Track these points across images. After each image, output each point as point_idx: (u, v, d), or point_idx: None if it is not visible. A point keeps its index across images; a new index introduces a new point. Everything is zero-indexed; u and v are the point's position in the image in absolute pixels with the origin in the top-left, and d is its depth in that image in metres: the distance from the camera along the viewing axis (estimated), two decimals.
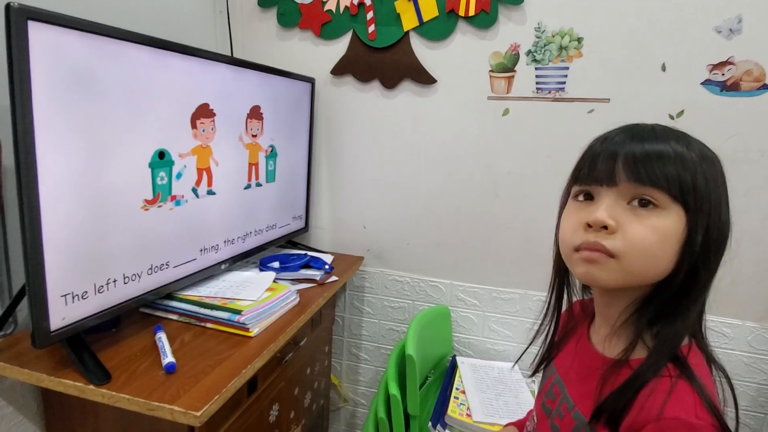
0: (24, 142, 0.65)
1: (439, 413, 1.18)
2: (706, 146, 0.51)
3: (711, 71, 1.14)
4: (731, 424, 0.45)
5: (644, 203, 0.48)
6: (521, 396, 1.25)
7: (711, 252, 0.48)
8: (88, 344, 0.80)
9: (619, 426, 0.46)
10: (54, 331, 0.73)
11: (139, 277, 0.87)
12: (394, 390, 1.12)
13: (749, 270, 1.20)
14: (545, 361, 0.67)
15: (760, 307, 1.22)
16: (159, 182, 0.89)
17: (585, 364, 0.58)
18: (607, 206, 0.49)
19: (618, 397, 0.48)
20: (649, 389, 0.46)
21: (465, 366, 1.37)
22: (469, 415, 1.16)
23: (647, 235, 0.47)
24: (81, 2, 0.95)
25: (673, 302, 0.49)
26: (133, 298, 0.87)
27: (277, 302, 1.02)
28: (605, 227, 0.48)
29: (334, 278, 1.26)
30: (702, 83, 1.15)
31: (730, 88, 1.13)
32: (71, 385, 0.74)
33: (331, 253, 1.45)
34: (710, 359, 0.50)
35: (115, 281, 0.82)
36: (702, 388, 0.45)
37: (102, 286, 0.80)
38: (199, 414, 0.69)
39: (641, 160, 0.48)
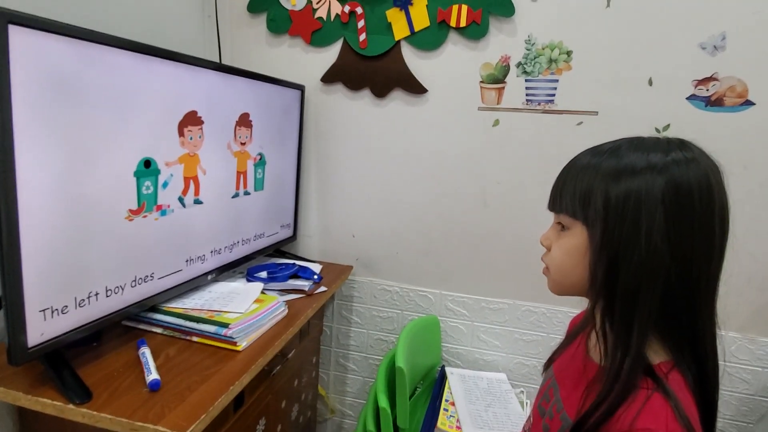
0: (2, 150, 0.62)
1: (429, 425, 1.17)
2: (652, 156, 0.49)
3: (696, 87, 1.16)
4: None
5: (562, 226, 0.56)
6: (510, 407, 1.25)
7: (613, 261, 0.49)
8: (67, 360, 0.77)
9: None
10: (32, 348, 0.70)
11: (122, 289, 0.84)
12: (383, 402, 1.10)
13: (731, 282, 1.21)
14: (548, 363, 0.69)
15: (742, 317, 1.24)
16: (144, 191, 0.86)
17: (577, 368, 0.60)
18: (548, 230, 0.59)
19: (593, 410, 0.49)
20: (628, 401, 0.47)
21: (454, 377, 1.36)
22: (459, 428, 1.15)
23: (558, 253, 0.56)
24: (66, 6, 0.92)
25: (616, 311, 0.50)
26: (116, 311, 0.84)
27: (265, 314, 0.99)
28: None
29: (323, 288, 1.24)
30: (687, 98, 1.17)
31: (714, 103, 1.16)
32: (49, 404, 0.71)
33: (320, 262, 1.43)
34: (690, 389, 0.49)
35: (96, 294, 0.79)
36: (677, 402, 0.46)
37: (83, 300, 0.77)
38: None
39: (554, 191, 0.57)
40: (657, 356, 0.51)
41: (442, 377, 1.37)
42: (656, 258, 0.47)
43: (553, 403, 0.61)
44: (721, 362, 1.32)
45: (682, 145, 0.51)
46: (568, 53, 1.22)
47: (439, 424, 1.16)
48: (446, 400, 1.26)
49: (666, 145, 0.50)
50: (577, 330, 0.67)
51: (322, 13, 1.34)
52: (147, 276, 0.90)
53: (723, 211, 0.50)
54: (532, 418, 0.67)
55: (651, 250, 0.47)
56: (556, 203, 0.56)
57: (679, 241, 0.47)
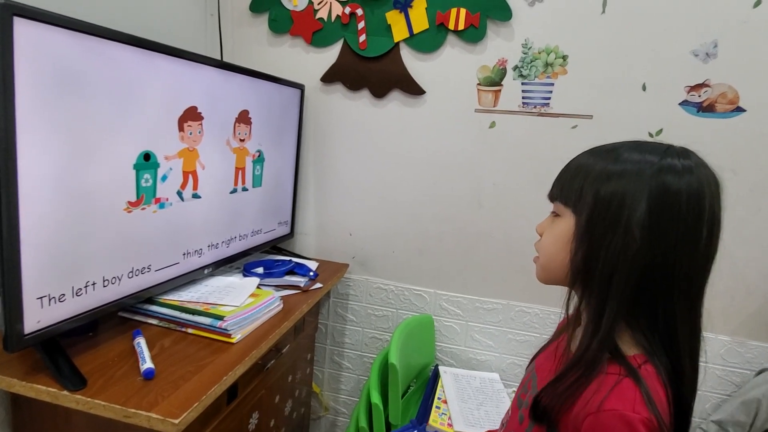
0: (4, 140, 0.63)
1: (421, 423, 1.18)
2: (647, 161, 0.51)
3: (688, 92, 1.18)
4: None
5: (556, 215, 0.60)
6: (502, 406, 1.26)
7: (592, 246, 0.52)
8: (63, 348, 0.78)
9: (559, 419, 0.51)
10: (28, 335, 0.70)
11: (119, 280, 0.86)
12: (376, 399, 1.11)
13: (722, 285, 1.24)
14: (532, 359, 0.71)
15: (732, 321, 1.26)
16: (143, 184, 0.87)
17: (555, 359, 0.61)
18: (544, 219, 0.62)
19: (549, 390, 0.52)
20: (596, 386, 0.50)
21: (447, 376, 1.37)
22: (450, 425, 1.16)
23: (547, 237, 0.60)
24: (70, 3, 0.93)
25: (592, 294, 0.53)
26: (112, 301, 0.85)
27: (260, 308, 1.01)
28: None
29: (318, 285, 1.25)
30: (680, 104, 1.19)
31: (706, 109, 1.18)
32: (44, 391, 0.72)
33: (316, 260, 1.44)
34: (662, 382, 0.50)
35: (94, 284, 0.80)
36: (647, 390, 0.48)
37: (80, 289, 0.78)
38: (177, 422, 0.67)
39: (555, 182, 0.60)
40: (631, 349, 0.53)
41: (435, 376, 1.38)
42: (632, 248, 0.49)
43: (530, 394, 0.63)
44: (711, 365, 1.32)
45: (683, 152, 0.52)
46: (564, 57, 1.24)
47: (430, 421, 1.17)
48: (439, 398, 1.27)
49: (664, 151, 0.52)
50: (563, 328, 0.69)
51: (323, 14, 1.35)
52: (144, 268, 0.91)
53: (712, 222, 0.51)
54: (510, 411, 0.69)
55: (628, 240, 0.50)
56: (553, 192, 0.61)
57: (660, 239, 0.49)
